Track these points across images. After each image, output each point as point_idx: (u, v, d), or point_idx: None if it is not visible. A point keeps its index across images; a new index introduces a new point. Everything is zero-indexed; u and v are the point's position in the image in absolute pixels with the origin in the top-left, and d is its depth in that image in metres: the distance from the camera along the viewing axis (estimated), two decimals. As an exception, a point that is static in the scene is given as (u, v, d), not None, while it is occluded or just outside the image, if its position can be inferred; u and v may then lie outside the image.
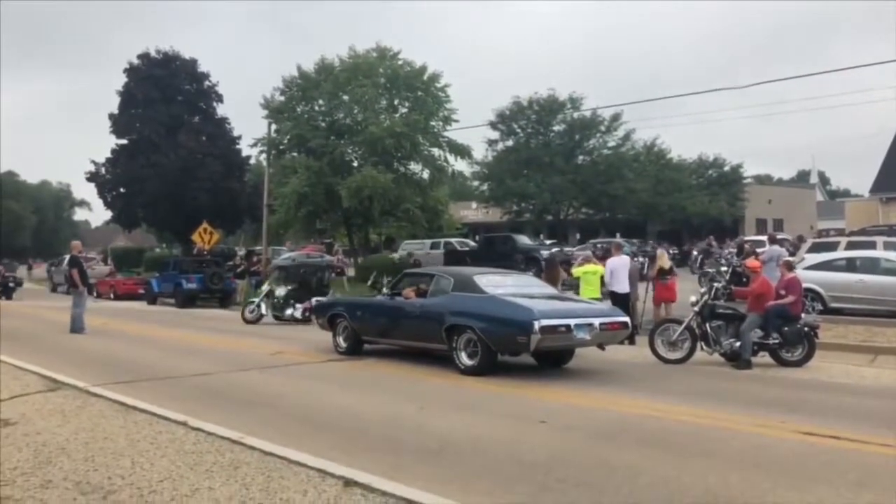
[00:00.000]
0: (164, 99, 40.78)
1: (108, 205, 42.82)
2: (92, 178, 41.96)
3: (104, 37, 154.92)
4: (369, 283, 19.93)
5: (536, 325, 8.86)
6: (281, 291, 17.54)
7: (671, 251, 28.38)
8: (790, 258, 14.56)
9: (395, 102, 32.47)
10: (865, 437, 6.17)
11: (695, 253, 30.30)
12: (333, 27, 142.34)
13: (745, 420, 6.85)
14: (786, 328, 10.51)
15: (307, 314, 16.49)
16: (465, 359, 9.63)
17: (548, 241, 35.84)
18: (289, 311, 17.28)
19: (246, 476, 4.97)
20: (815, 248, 19.08)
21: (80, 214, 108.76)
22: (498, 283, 10.43)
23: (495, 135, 43.31)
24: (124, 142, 41.66)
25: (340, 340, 11.72)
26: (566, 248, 30.35)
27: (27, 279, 50.22)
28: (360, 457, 5.44)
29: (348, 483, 4.78)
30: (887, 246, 17.78)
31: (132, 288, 29.88)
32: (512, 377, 9.31)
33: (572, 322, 9.24)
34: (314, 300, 16.49)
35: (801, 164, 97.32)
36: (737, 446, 5.92)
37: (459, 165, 37.02)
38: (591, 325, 9.40)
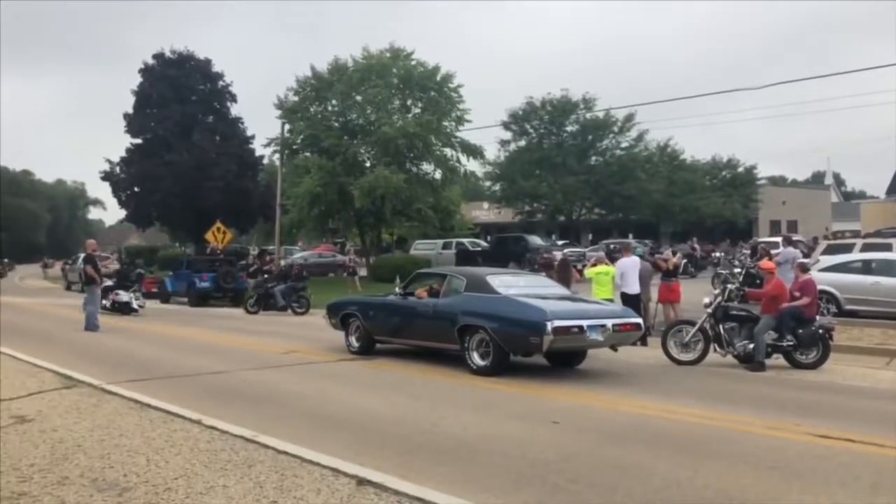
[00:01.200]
0: (178, 99, 41.05)
1: (122, 204, 43.17)
2: (106, 177, 42.31)
3: (119, 36, 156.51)
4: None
5: (549, 325, 8.84)
6: (105, 284, 19.53)
7: (692, 251, 28.09)
8: (805, 260, 14.46)
9: (408, 103, 32.56)
10: (881, 441, 6.13)
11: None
12: (347, 28, 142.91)
13: (759, 422, 6.81)
14: (800, 330, 10.41)
15: (115, 305, 19.46)
16: (477, 359, 9.62)
17: (560, 242, 35.75)
18: (104, 302, 19.15)
19: (260, 474, 5.00)
20: (830, 250, 18.92)
21: (94, 213, 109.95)
22: (511, 284, 10.41)
23: (508, 135, 43.40)
24: (139, 141, 41.97)
25: (353, 340, 11.73)
26: (564, 250, 29.19)
27: (43, 277, 50.79)
28: (372, 456, 5.46)
29: (361, 482, 4.80)
30: (903, 248, 17.60)
31: (146, 287, 30.00)
32: (524, 378, 9.30)
33: (585, 323, 9.21)
34: (112, 293, 19.55)
35: (816, 165, 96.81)
36: (750, 448, 5.88)
37: (472, 165, 37.12)
38: (603, 326, 9.36)
